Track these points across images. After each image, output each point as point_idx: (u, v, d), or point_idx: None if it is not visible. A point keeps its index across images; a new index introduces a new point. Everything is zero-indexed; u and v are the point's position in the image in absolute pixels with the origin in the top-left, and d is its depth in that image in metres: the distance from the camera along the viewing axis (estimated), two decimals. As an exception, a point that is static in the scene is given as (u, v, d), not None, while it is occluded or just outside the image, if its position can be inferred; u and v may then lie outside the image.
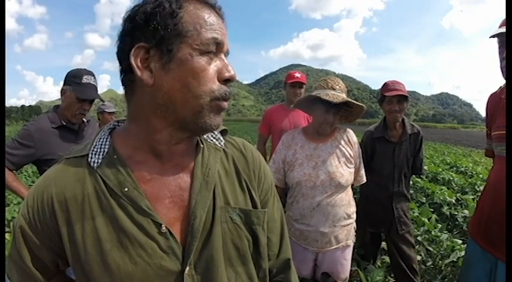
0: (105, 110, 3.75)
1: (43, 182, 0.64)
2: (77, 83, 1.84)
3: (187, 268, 0.61)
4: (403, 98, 2.24)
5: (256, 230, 0.71)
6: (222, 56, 0.62)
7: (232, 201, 0.69)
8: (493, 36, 1.33)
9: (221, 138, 0.76)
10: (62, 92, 1.89)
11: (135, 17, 0.58)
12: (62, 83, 1.91)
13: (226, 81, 0.61)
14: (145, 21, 0.57)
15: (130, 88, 0.63)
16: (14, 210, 3.62)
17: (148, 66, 0.58)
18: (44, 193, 0.62)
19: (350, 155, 1.82)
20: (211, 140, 0.75)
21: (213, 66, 0.60)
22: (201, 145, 0.71)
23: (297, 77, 2.84)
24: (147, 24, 0.57)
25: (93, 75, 1.91)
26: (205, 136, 0.74)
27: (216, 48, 0.60)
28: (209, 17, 0.60)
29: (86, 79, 1.85)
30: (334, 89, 1.74)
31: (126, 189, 0.60)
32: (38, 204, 0.61)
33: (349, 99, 1.74)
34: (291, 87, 2.84)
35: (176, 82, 0.57)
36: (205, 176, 0.67)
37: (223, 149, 0.75)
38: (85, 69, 1.92)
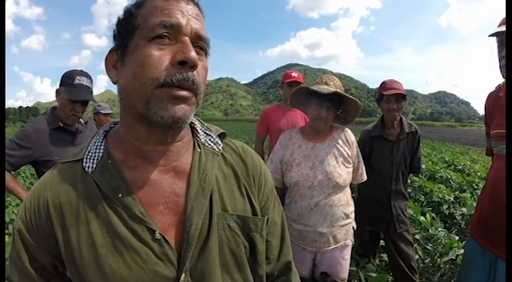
0: (100, 111, 3.70)
1: (39, 186, 0.64)
2: (69, 84, 1.84)
3: (183, 275, 0.60)
4: (401, 97, 2.25)
5: (253, 237, 0.70)
6: (184, 38, 0.57)
7: (230, 208, 0.68)
8: (492, 35, 1.33)
9: (219, 142, 0.74)
10: (57, 93, 1.89)
11: (114, 29, 0.64)
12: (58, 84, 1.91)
13: (183, 64, 0.55)
14: (116, 27, 0.63)
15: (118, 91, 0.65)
16: (13, 212, 3.61)
17: (117, 66, 0.62)
18: (40, 197, 0.62)
19: (348, 155, 1.81)
20: (209, 144, 0.73)
21: (165, 52, 0.56)
22: (198, 149, 0.70)
23: (294, 76, 2.86)
24: (116, 29, 0.63)
25: (88, 76, 1.89)
26: (202, 140, 0.73)
27: (171, 31, 0.56)
28: (163, 3, 0.58)
29: (78, 80, 1.84)
30: (327, 84, 1.75)
31: (120, 195, 0.60)
32: (34, 208, 0.62)
33: (340, 91, 1.72)
34: (288, 87, 2.85)
35: (128, 73, 0.57)
36: (201, 182, 0.65)
37: (222, 153, 0.73)
38: (80, 70, 1.91)
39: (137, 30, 0.58)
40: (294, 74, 2.90)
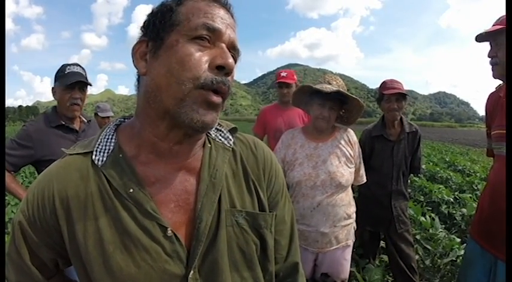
0: (98, 113, 3.61)
1: (44, 178, 0.62)
2: (61, 76, 1.83)
3: (192, 272, 0.59)
4: (401, 96, 2.25)
5: (263, 234, 0.68)
6: (222, 45, 0.59)
7: (238, 204, 0.67)
8: (479, 41, 1.35)
9: (230, 137, 0.73)
10: (53, 91, 1.88)
11: (145, 20, 0.63)
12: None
13: (220, 69, 0.57)
14: (149, 19, 0.62)
15: (138, 84, 0.65)
16: (12, 211, 3.60)
17: (146, 57, 0.61)
18: (45, 189, 0.60)
19: (350, 155, 1.81)
20: (220, 139, 0.72)
21: (204, 53, 0.57)
22: (209, 145, 0.69)
23: (282, 76, 2.81)
24: (150, 21, 0.62)
25: (78, 65, 1.89)
26: (213, 135, 0.71)
27: (212, 35, 0.58)
28: (206, 7, 0.59)
29: (68, 69, 1.84)
30: (330, 84, 1.75)
31: (131, 190, 0.58)
32: (38, 201, 0.60)
33: (342, 90, 1.71)
34: (279, 87, 2.83)
35: (162, 67, 0.57)
36: (212, 178, 0.65)
37: (232, 148, 0.72)
38: (70, 63, 1.90)
39: (177, 27, 0.58)
40: (283, 74, 2.83)
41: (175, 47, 0.56)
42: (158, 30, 0.59)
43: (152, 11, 0.62)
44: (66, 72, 1.83)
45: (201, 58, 0.56)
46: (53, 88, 1.88)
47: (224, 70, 0.57)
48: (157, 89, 0.58)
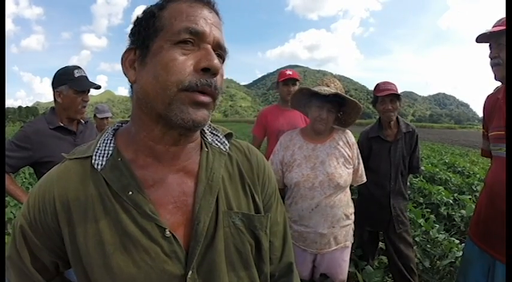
0: (96, 115, 3.63)
1: (45, 182, 0.64)
2: (70, 79, 1.83)
3: (190, 272, 0.60)
4: (395, 97, 2.27)
5: (258, 235, 0.70)
6: (207, 46, 0.59)
7: (235, 206, 0.69)
8: (480, 41, 1.36)
9: (226, 141, 0.75)
10: (58, 94, 1.85)
11: (132, 27, 0.64)
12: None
13: (206, 71, 0.57)
14: (135, 27, 0.63)
15: (131, 89, 0.65)
16: (11, 212, 3.60)
17: (134, 65, 0.62)
18: (45, 193, 0.62)
19: (349, 156, 1.82)
20: (216, 144, 0.73)
21: (188, 57, 0.57)
22: (206, 149, 0.71)
23: (289, 74, 2.73)
24: (135, 29, 0.62)
25: (81, 68, 1.92)
26: (209, 140, 0.73)
27: (195, 38, 0.58)
28: (188, 8, 0.59)
29: (77, 73, 1.86)
30: (328, 86, 1.77)
31: (130, 192, 0.60)
32: (39, 205, 0.61)
33: (340, 93, 1.73)
34: (284, 85, 2.72)
35: (149, 75, 0.58)
36: (209, 180, 0.66)
37: (228, 153, 0.74)
38: (72, 65, 1.92)
39: (161, 32, 0.58)
40: (289, 72, 2.76)
41: (160, 54, 0.57)
42: (144, 37, 0.60)
43: (137, 18, 0.63)
44: (76, 76, 1.85)
45: (185, 62, 0.56)
46: (57, 91, 1.85)
47: (210, 71, 0.57)
48: (146, 96, 0.59)
